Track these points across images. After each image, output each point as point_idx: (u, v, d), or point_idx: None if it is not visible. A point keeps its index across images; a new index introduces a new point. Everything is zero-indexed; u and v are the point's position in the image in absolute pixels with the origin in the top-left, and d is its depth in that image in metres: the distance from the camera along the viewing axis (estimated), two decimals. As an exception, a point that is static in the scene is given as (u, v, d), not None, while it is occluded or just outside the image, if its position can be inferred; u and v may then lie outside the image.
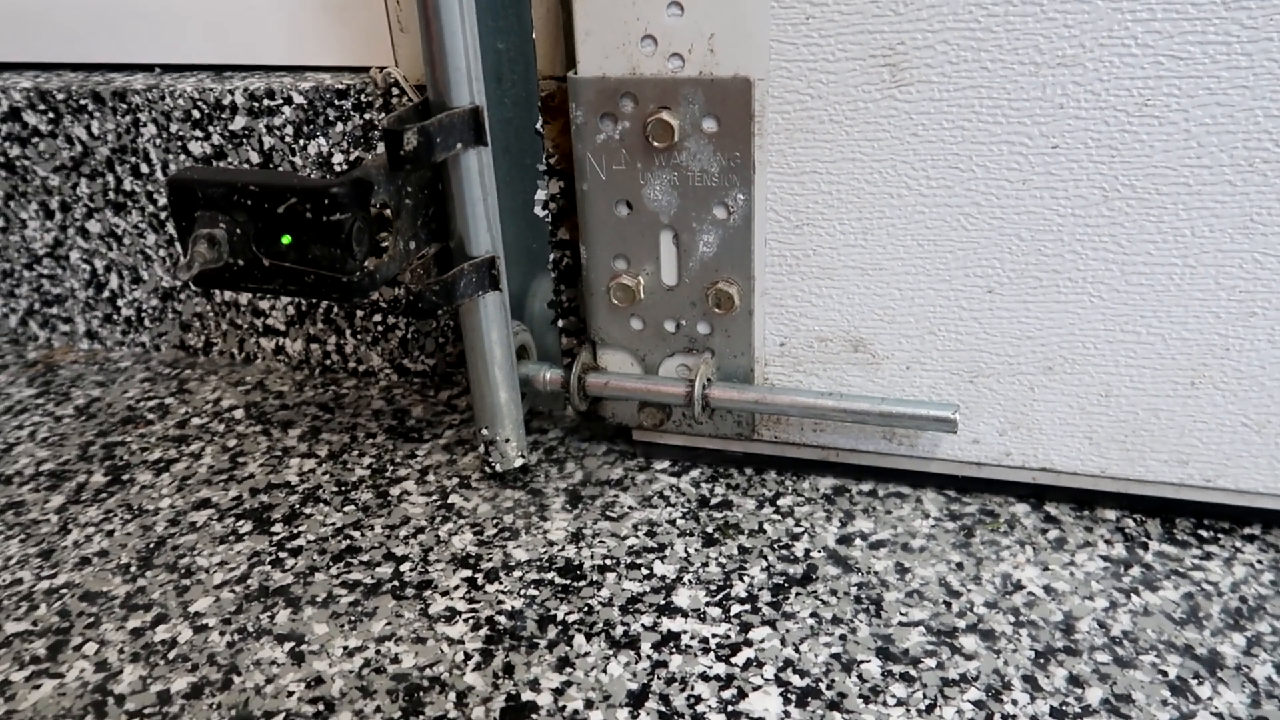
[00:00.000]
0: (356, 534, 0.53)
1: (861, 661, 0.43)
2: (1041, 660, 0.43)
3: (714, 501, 0.54)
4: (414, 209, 0.48)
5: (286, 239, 0.45)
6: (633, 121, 0.48)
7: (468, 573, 0.49)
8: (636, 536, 0.52)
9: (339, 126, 0.61)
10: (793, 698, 0.41)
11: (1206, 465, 0.49)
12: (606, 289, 0.53)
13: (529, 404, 0.59)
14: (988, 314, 0.49)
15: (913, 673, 0.42)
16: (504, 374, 0.53)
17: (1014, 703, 0.41)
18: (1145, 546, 0.49)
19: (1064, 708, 0.40)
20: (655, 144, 0.48)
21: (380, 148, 0.59)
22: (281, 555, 0.51)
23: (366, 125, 0.61)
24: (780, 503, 0.54)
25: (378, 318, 0.66)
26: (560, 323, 0.58)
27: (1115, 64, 0.42)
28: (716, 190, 0.49)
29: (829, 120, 0.47)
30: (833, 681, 0.42)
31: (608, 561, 0.50)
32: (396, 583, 0.49)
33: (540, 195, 0.55)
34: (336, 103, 0.61)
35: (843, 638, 0.44)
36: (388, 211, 0.46)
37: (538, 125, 0.53)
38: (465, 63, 0.45)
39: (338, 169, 0.62)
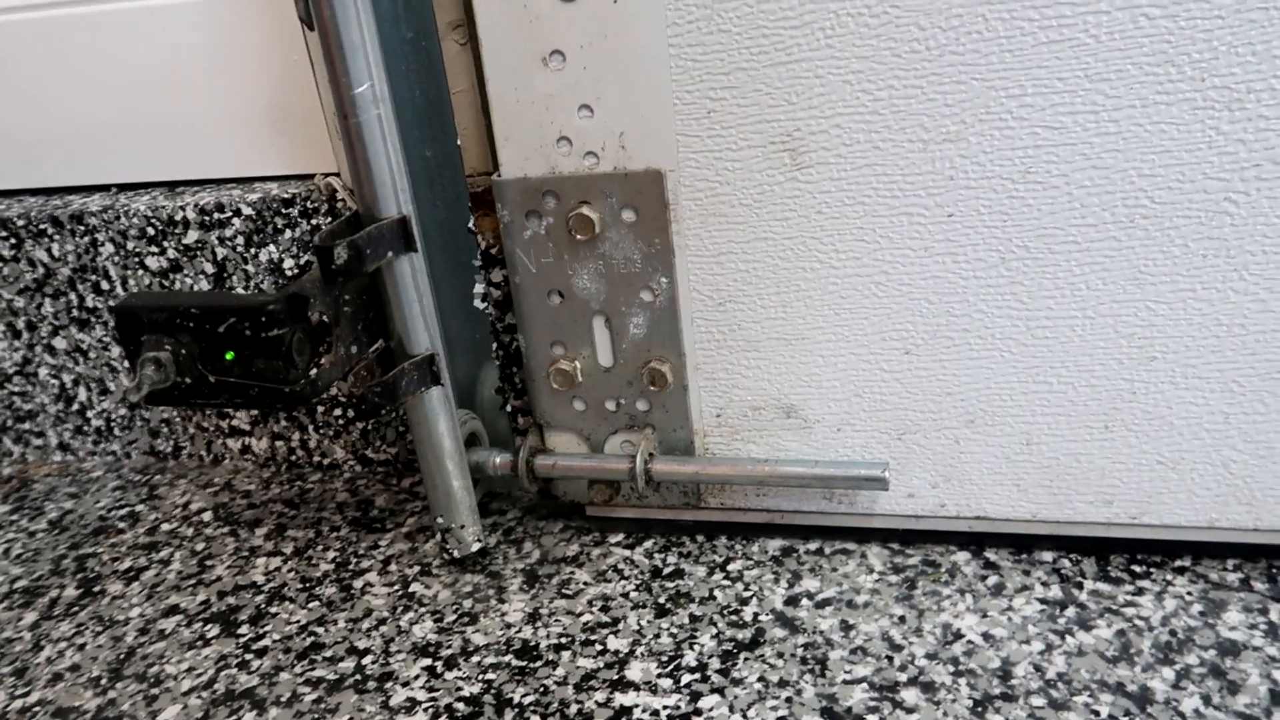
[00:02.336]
0: (320, 630, 0.54)
1: (806, 723, 0.45)
2: (979, 709, 0.44)
3: (666, 571, 0.56)
4: (353, 315, 0.50)
5: (230, 355, 0.47)
6: (556, 217, 0.51)
7: (428, 661, 0.51)
8: (591, 612, 0.53)
9: (288, 234, 0.64)
10: (741, 764, 0.43)
11: (1130, 503, 0.51)
12: (546, 374, 0.55)
13: (484, 488, 0.61)
14: (907, 374, 0.51)
15: (855, 730, 0.44)
16: (454, 464, 0.55)
17: (952, 753, 0.42)
18: (1080, 586, 0.51)
19: (1000, 755, 0.42)
20: (578, 237, 0.51)
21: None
22: (248, 657, 0.53)
23: (313, 230, 0.63)
24: (730, 567, 0.55)
25: (338, 411, 0.68)
26: (510, 407, 0.60)
27: (995, 137, 0.45)
28: (641, 275, 0.51)
29: (739, 204, 0.49)
30: (779, 745, 0.44)
31: (563, 640, 0.51)
32: (359, 676, 0.50)
33: (478, 289, 0.57)
34: (283, 211, 0.63)
35: (789, 700, 0.46)
36: (327, 320, 0.48)
37: (469, 224, 0.55)
38: (390, 177, 0.48)
39: (289, 273, 0.65)
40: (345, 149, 0.48)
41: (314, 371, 0.48)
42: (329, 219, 0.63)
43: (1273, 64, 0.41)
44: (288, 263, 0.65)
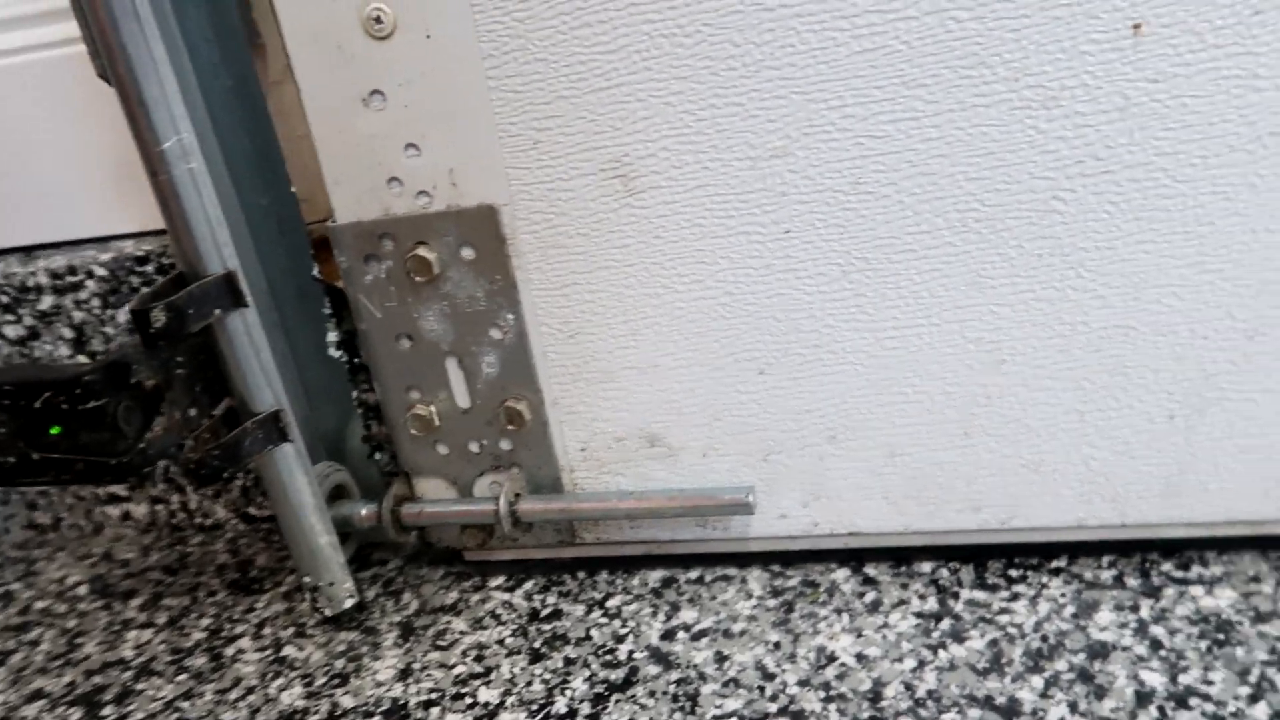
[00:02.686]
0: (186, 704, 0.52)
1: (672, 765, 0.43)
2: (847, 735, 0.43)
3: (544, 613, 0.54)
4: (188, 377, 0.48)
5: (55, 429, 0.45)
6: (394, 260, 0.50)
7: (293, 729, 0.49)
8: (464, 663, 0.51)
9: (144, 291, 0.62)
10: (606, 814, 0.41)
11: (999, 508, 0.50)
12: (404, 420, 0.53)
13: (357, 541, 0.59)
14: (764, 394, 0.50)
15: (721, 769, 0.43)
16: (316, 519, 0.53)
17: (817, 785, 0.41)
18: (956, 596, 0.50)
19: (865, 783, 0.41)
20: (418, 278, 0.49)
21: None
22: (106, 740, 0.51)
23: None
24: (609, 604, 0.54)
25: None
26: (378, 456, 0.59)
27: (822, 150, 0.44)
28: (487, 313, 0.50)
29: (577, 234, 0.48)
30: (643, 791, 0.42)
31: (433, 695, 0.50)
32: (219, 752, 0.48)
33: (331, 338, 0.56)
34: (138, 269, 0.61)
35: (657, 742, 0.45)
36: (157, 384, 0.46)
37: (314, 272, 0.54)
38: (210, 231, 0.46)
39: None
40: (160, 206, 0.46)
41: (146, 440, 0.46)
42: (186, 274, 0.61)
43: (1082, 60, 0.41)
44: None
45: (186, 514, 0.68)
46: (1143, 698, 0.42)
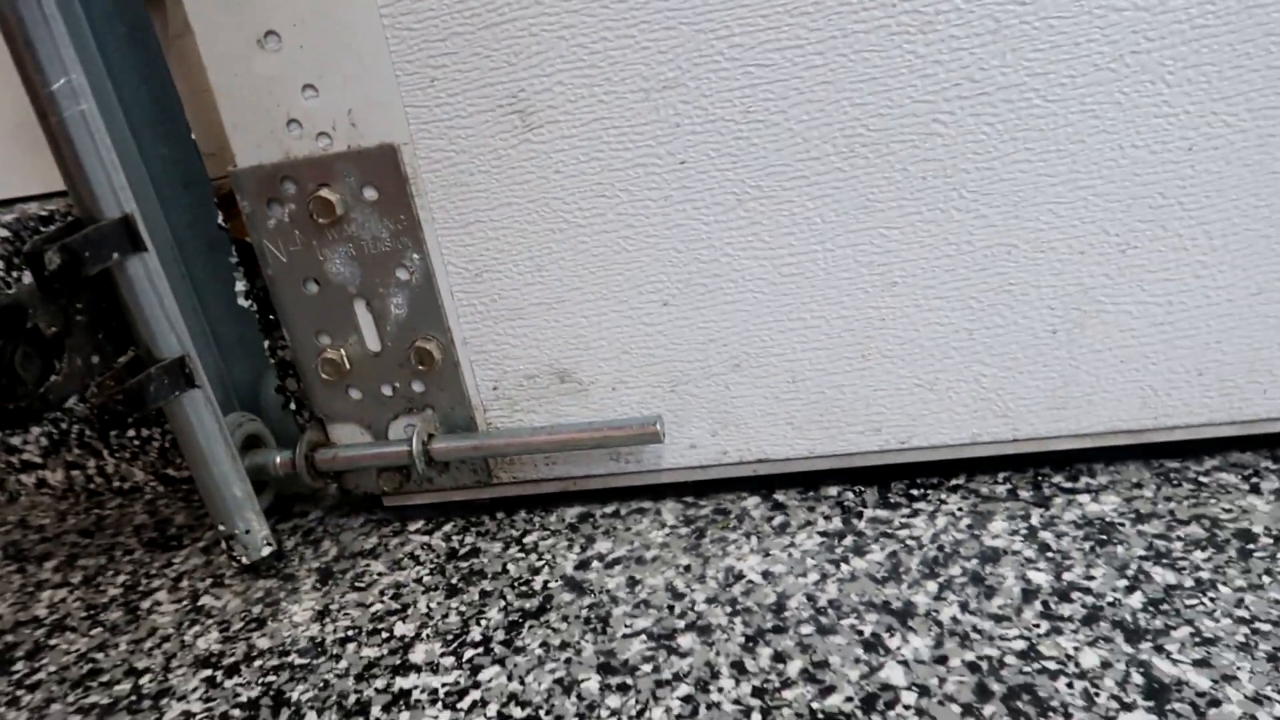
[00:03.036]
0: (100, 655, 0.52)
1: (582, 681, 0.44)
2: (750, 644, 0.45)
3: (462, 552, 0.55)
4: (89, 324, 0.48)
5: (-52, 376, 0.44)
6: (297, 203, 0.50)
7: (208, 672, 0.49)
8: (382, 602, 0.52)
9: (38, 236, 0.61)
10: (516, 731, 0.42)
11: (898, 429, 0.52)
12: (315, 366, 0.54)
13: (274, 490, 0.59)
14: (669, 325, 0.51)
15: (629, 681, 0.44)
16: (229, 468, 0.53)
17: (720, 690, 0.42)
18: (860, 515, 0.52)
19: (765, 685, 0.42)
20: (321, 220, 0.49)
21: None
22: (19, 694, 0.50)
23: (75, 246, 0.61)
24: (526, 540, 0.55)
25: (133, 432, 0.66)
26: (294, 405, 0.59)
27: (713, 80, 0.45)
28: (393, 254, 0.51)
29: (478, 172, 0.49)
30: (552, 706, 0.43)
31: (350, 633, 0.50)
32: (134, 697, 0.48)
33: (240, 288, 0.55)
34: (41, 229, 0.61)
35: (568, 661, 0.46)
36: (56, 330, 0.46)
37: (219, 221, 0.54)
38: (105, 174, 0.46)
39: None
40: (53, 150, 0.46)
41: (46, 386, 0.46)
42: (93, 232, 0.60)
43: (954, -16, 0.43)
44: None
45: (104, 478, 0.68)
46: (1029, 594, 0.44)
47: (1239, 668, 0.38)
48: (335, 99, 0.48)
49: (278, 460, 0.55)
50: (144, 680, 0.49)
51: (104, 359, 0.49)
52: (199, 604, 0.55)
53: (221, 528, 0.54)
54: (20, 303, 0.44)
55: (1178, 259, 0.46)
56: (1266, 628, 0.40)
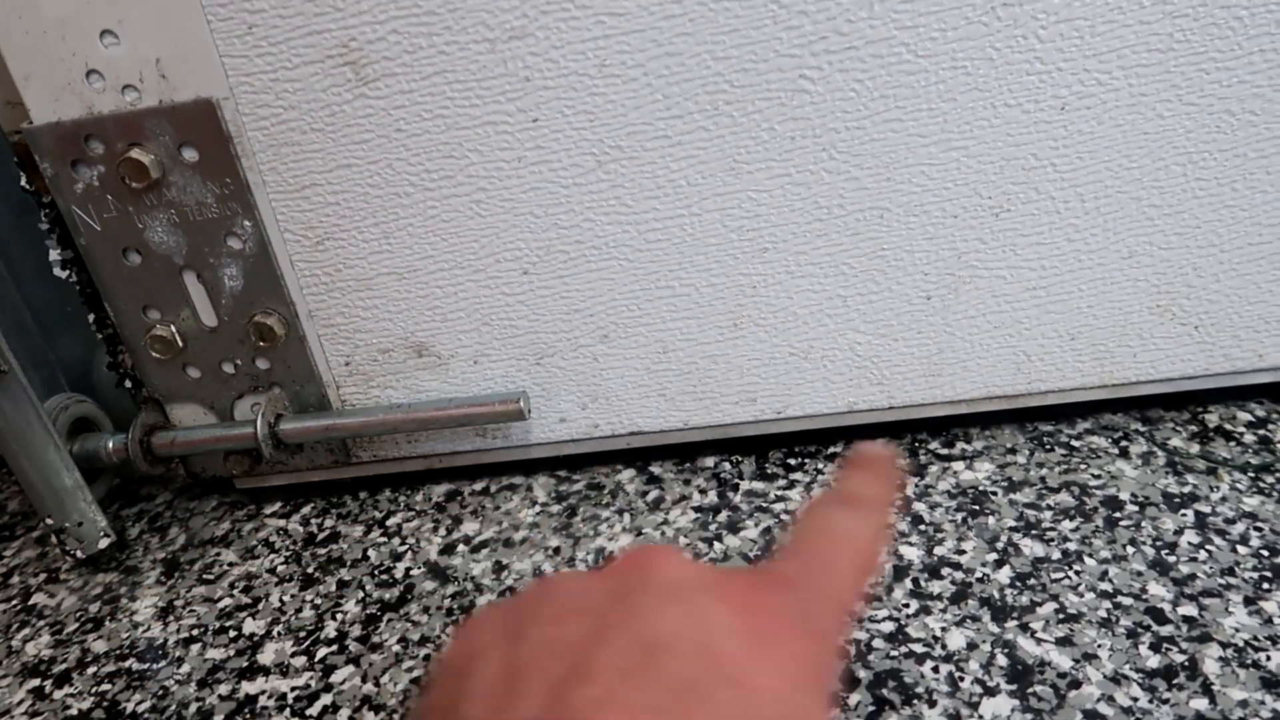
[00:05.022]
0: (-84, 666, 0.48)
1: (439, 680, 0.42)
2: (616, 633, 0.43)
3: (321, 537, 0.52)
4: None
5: None
6: (106, 165, 0.44)
7: (36, 682, 0.45)
8: (232, 595, 0.49)
9: None
10: (366, 737, 0.40)
11: (773, 399, 0.50)
12: (144, 343, 0.49)
13: (111, 477, 0.55)
14: (531, 295, 0.48)
15: (489, 679, 0.42)
16: (54, 456, 0.48)
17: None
18: (737, 488, 0.50)
19: (630, 679, 0.40)
20: (134, 184, 0.44)
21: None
22: None
23: None
24: (390, 522, 0.52)
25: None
26: (129, 384, 0.54)
27: (563, 29, 0.41)
28: (221, 221, 0.46)
29: (310, 130, 0.44)
30: (408, 710, 0.41)
31: (195, 632, 0.47)
32: (-50, 714, 0.44)
33: (54, 256, 0.50)
34: None
35: (427, 658, 0.43)
36: None
37: (23, 182, 0.48)
38: None
39: None
40: None
41: None
42: None
43: (820, -73, 0.39)
44: None
45: (-71, 462, 0.62)
46: (900, 571, 0.43)
47: (1100, 645, 0.38)
48: (140, 47, 0.42)
49: (110, 445, 0.51)
50: (-38, 694, 0.45)
51: (-112, 346, 0.43)
52: (30, 603, 0.50)
53: (50, 521, 0.50)
54: None
55: (1050, 223, 0.44)
56: (1128, 601, 0.40)
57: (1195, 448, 0.48)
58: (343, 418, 0.49)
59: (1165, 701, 0.35)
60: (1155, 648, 0.38)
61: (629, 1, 0.41)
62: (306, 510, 0.54)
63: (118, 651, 0.46)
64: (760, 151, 0.44)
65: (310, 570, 0.49)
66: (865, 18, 0.40)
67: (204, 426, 0.51)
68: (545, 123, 0.43)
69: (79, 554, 0.51)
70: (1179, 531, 0.43)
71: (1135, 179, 0.43)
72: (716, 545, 0.47)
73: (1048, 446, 0.50)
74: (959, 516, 0.46)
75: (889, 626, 0.40)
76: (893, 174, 0.44)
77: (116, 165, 0.44)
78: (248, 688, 0.43)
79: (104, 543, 0.51)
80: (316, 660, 0.44)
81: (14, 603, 0.51)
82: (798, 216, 0.45)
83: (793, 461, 0.52)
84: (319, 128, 0.44)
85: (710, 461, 0.53)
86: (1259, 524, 0.43)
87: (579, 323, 0.48)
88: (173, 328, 0.48)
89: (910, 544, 0.45)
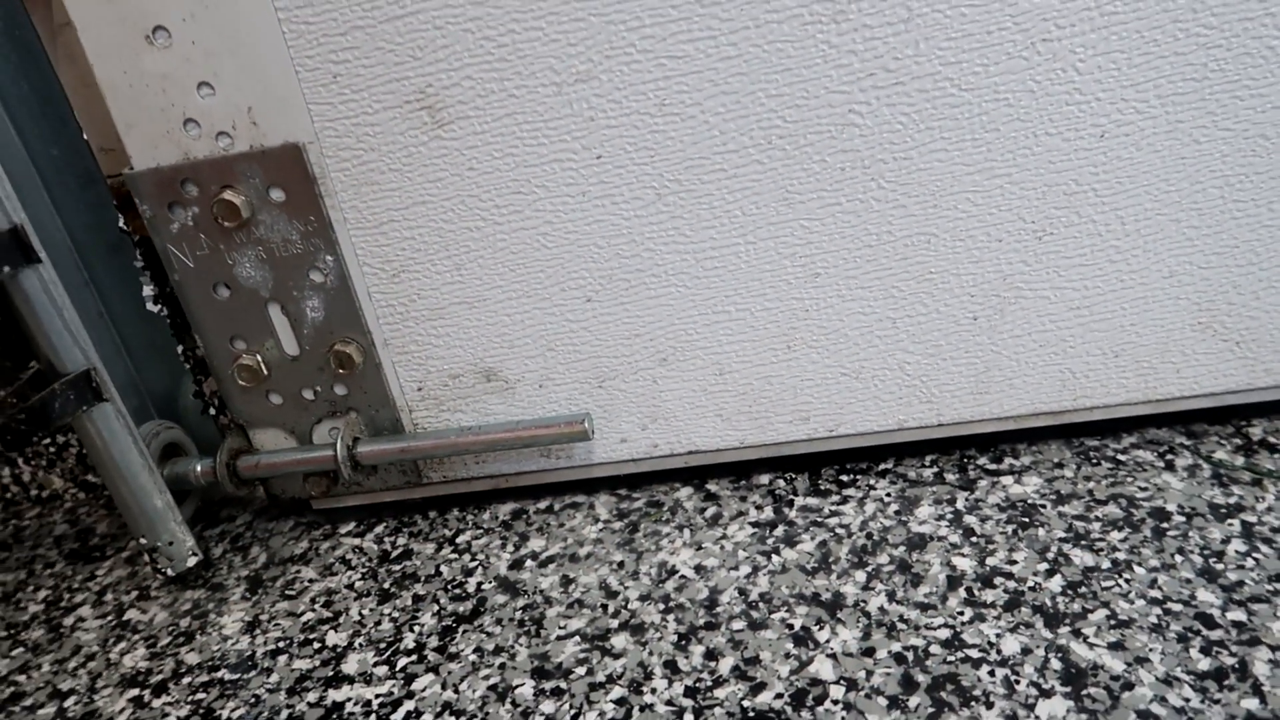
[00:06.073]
0: (22, 678, 0.50)
1: (516, 686, 0.44)
2: (683, 642, 0.45)
3: (395, 554, 0.54)
4: (-15, 341, 0.46)
5: None
6: (200, 206, 0.48)
7: (135, 691, 0.48)
8: (313, 610, 0.51)
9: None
10: (449, 741, 0.42)
11: (825, 417, 0.52)
12: (231, 373, 0.52)
13: (198, 498, 0.58)
14: (594, 321, 0.50)
15: (563, 685, 0.44)
16: (146, 479, 0.51)
17: (653, 691, 0.43)
18: (791, 504, 0.52)
19: (698, 684, 0.42)
20: (227, 224, 0.48)
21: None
22: (-64, 722, 0.49)
23: (-28, 250, 0.58)
24: (459, 540, 0.54)
25: (48, 440, 0.64)
26: (213, 410, 0.57)
27: (625, 72, 0.44)
28: (305, 256, 0.49)
29: (389, 170, 0.47)
30: (487, 714, 0.43)
31: (280, 644, 0.49)
32: (58, 722, 0.47)
33: (148, 292, 0.53)
34: (-66, 233, 0.58)
35: (502, 666, 0.45)
36: (-51, 351, 0.44)
37: (120, 223, 0.51)
38: (-10, 186, 0.44)
39: (-45, 299, 0.59)
40: (-70, 161, 0.43)
41: (-58, 408, 0.44)
42: (-10, 235, 0.58)
43: (867, -28, 0.42)
44: (-48, 288, 0.59)
45: (20, 486, 0.65)
46: (953, 581, 0.45)
47: (1151, 649, 0.40)
48: (233, 97, 0.46)
49: (198, 469, 0.54)
50: (69, 703, 0.48)
51: (3, 375, 0.47)
52: (124, 619, 0.53)
53: (143, 540, 0.53)
54: (-95, 326, 0.42)
55: (1092, 244, 0.46)
56: (1178, 608, 0.41)
57: (1240, 460, 0.49)
58: (416, 440, 0.52)
59: (1217, 702, 0.37)
60: (1206, 651, 0.39)
61: (687, 45, 0.43)
62: (380, 529, 0.57)
63: (210, 663, 0.49)
64: (811, 182, 0.46)
65: (386, 585, 0.52)
66: (911, 55, 0.43)
67: (286, 450, 0.54)
68: (608, 159, 0.46)
69: (169, 571, 0.54)
70: (1226, 540, 0.44)
71: (1174, 201, 0.45)
72: (774, 559, 0.49)
73: (1094, 461, 0.51)
74: (1009, 529, 0.48)
75: (945, 633, 0.42)
76: (939, 201, 0.46)
77: (210, 206, 0.47)
78: (334, 695, 0.46)
79: (192, 561, 0.54)
80: (398, 669, 0.46)
81: (109, 619, 0.54)
82: (848, 243, 0.47)
83: (845, 478, 0.54)
84: (397, 168, 0.47)
85: (765, 478, 0.55)
86: (1305, 532, 0.44)
87: (639, 347, 0.51)
88: (258, 357, 0.51)
89: (963, 555, 0.46)
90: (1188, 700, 0.37)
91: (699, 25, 0.43)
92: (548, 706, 0.43)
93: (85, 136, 0.49)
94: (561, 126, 0.46)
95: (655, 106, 0.45)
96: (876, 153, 0.45)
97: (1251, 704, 0.36)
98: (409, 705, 0.44)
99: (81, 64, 0.51)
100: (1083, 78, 0.43)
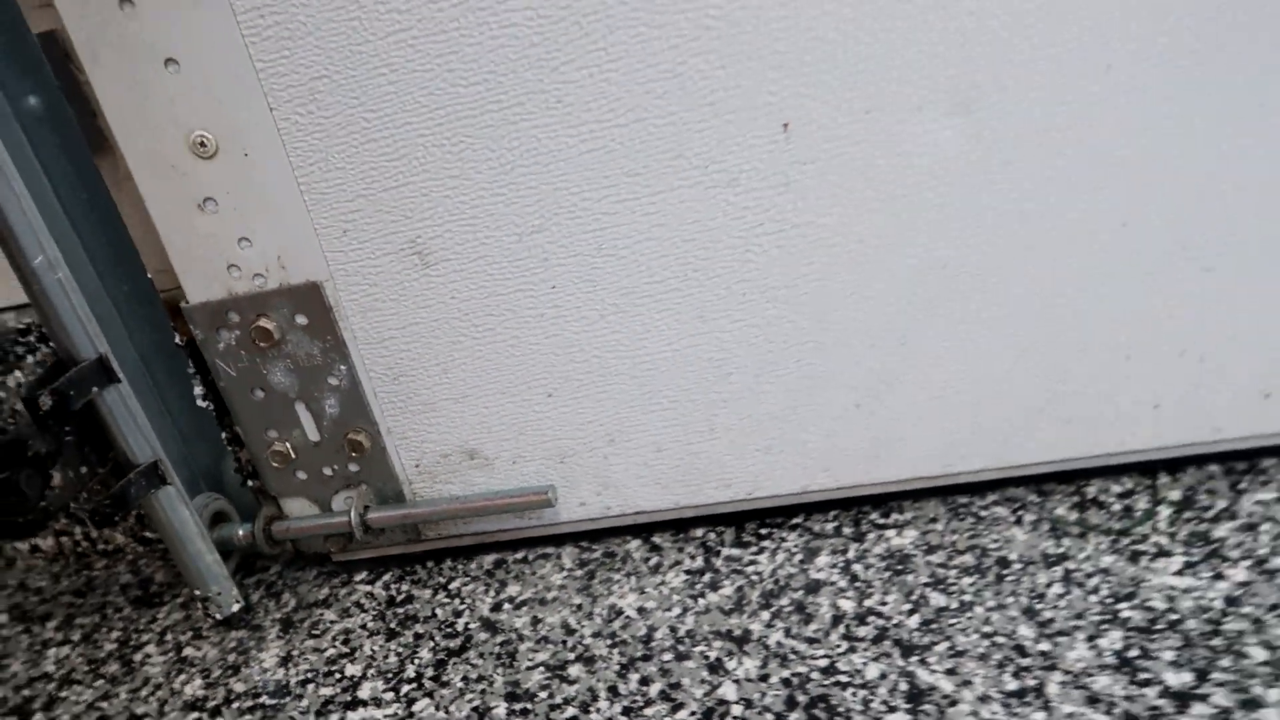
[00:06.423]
0: (105, 704, 0.63)
1: (493, 708, 0.56)
2: (624, 671, 0.57)
3: (399, 599, 0.67)
4: (77, 443, 0.59)
5: (-35, 497, 0.55)
6: (241, 330, 0.61)
7: (197, 714, 0.61)
8: (334, 646, 0.64)
9: (29, 358, 0.71)
10: (443, 750, 0.55)
11: (744, 484, 0.64)
12: (266, 456, 0.65)
13: (239, 554, 0.71)
14: (555, 411, 0.63)
15: (530, 707, 0.56)
16: (200, 544, 0.64)
17: (598, 711, 0.55)
18: (719, 554, 0.64)
19: (633, 705, 0.54)
20: (262, 344, 0.60)
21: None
22: (40, 741, 0.62)
23: (52, 353, 0.71)
24: (451, 586, 0.67)
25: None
26: (250, 484, 0.70)
27: (570, 225, 0.57)
28: (324, 366, 0.62)
29: (389, 299, 0.60)
30: (470, 730, 0.55)
31: (309, 674, 0.62)
32: (136, 739, 0.60)
33: (198, 391, 0.66)
34: (20, 339, 0.71)
35: (483, 691, 0.58)
36: (49, 452, 0.57)
37: (176, 340, 0.64)
38: (81, 325, 0.56)
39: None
40: (36, 309, 0.56)
41: (47, 498, 0.57)
42: (66, 339, 0.71)
43: (752, 150, 0.54)
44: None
45: (89, 542, 0.78)
46: (836, 619, 0.57)
47: (975, 674, 0.51)
48: (266, 247, 0.58)
49: (240, 533, 0.67)
50: (142, 724, 0.61)
51: (90, 468, 0.59)
52: (182, 655, 0.66)
53: (198, 592, 0.65)
54: (21, 436, 0.55)
55: (952, 341, 0.58)
56: (1001, 640, 0.53)
57: (1074, 515, 0.61)
58: (415, 508, 0.64)
59: (1015, 715, 0.48)
60: (1015, 675, 0.51)
61: (617, 205, 0.56)
62: (387, 578, 0.69)
63: (253, 690, 0.62)
64: (721, 304, 0.58)
65: (392, 625, 0.64)
66: (791, 209, 0.55)
67: (310, 517, 0.66)
68: (561, 289, 0.58)
69: (218, 615, 0.66)
70: (1049, 584, 0.56)
71: (1023, 287, 0.57)
72: (700, 601, 0.61)
73: (961, 516, 0.63)
74: (886, 575, 0.59)
75: (824, 662, 0.54)
76: (823, 316, 0.58)
77: (249, 331, 0.60)
78: (352, 717, 0.58)
79: (236, 607, 0.66)
80: (401, 695, 0.59)
81: (170, 654, 0.66)
82: (754, 349, 0.59)
83: (764, 530, 0.66)
84: (395, 298, 0.60)
85: (699, 532, 0.67)
86: (1109, 577, 0.56)
87: (591, 430, 0.63)
88: (287, 444, 0.64)
89: (847, 597, 0.58)
90: (995, 714, 0.49)
91: (626, 189, 0.55)
92: (517, 723, 0.55)
93: (150, 275, 0.62)
94: (523, 265, 0.58)
95: (594, 250, 0.57)
96: (769, 280, 0.57)
97: (1039, 717, 0.48)
98: (410, 723, 0.57)
99: (142, 207, 0.63)
100: (903, 199, 0.55)
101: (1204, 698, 0.47)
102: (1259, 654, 0.49)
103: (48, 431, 0.56)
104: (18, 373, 0.71)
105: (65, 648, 0.69)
